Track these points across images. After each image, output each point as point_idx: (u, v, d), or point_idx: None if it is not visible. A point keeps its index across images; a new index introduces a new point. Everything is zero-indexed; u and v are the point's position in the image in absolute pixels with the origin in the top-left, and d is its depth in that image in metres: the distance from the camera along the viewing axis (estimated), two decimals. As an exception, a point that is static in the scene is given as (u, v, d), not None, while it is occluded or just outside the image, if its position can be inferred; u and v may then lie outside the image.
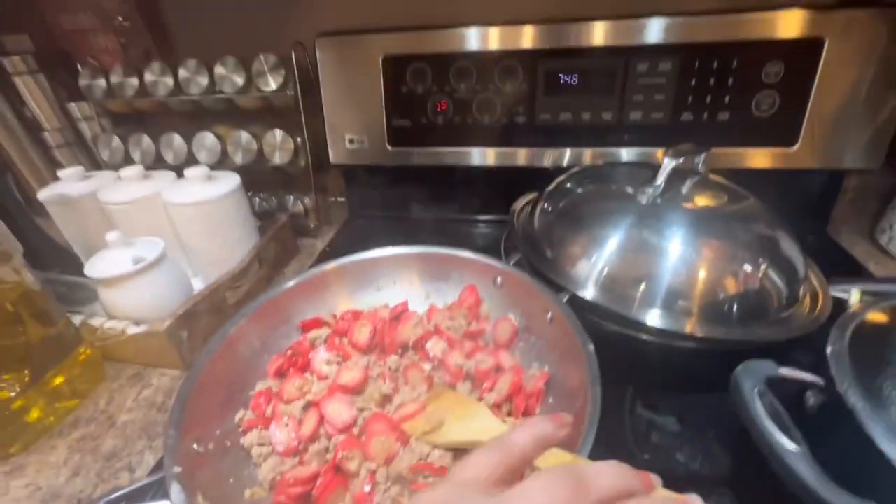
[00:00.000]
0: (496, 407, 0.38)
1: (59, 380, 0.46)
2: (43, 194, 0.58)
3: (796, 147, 0.57)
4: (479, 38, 0.59)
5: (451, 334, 0.44)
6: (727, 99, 0.56)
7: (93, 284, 0.52)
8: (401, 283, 0.51)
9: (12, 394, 0.42)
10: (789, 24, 0.52)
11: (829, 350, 0.29)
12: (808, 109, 0.55)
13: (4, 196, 0.51)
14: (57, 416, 0.46)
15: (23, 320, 0.43)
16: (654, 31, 0.55)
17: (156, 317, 0.49)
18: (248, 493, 0.34)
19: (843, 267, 0.58)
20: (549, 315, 0.43)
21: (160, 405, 0.46)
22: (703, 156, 0.49)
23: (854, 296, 0.44)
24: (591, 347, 0.37)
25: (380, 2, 0.63)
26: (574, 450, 0.29)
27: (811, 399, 0.29)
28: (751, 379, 0.26)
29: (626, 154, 0.61)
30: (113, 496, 0.29)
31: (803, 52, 0.53)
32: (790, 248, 0.45)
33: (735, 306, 0.41)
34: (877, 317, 0.32)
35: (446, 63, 0.61)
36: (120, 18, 0.74)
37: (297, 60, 0.64)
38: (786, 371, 0.27)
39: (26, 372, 0.43)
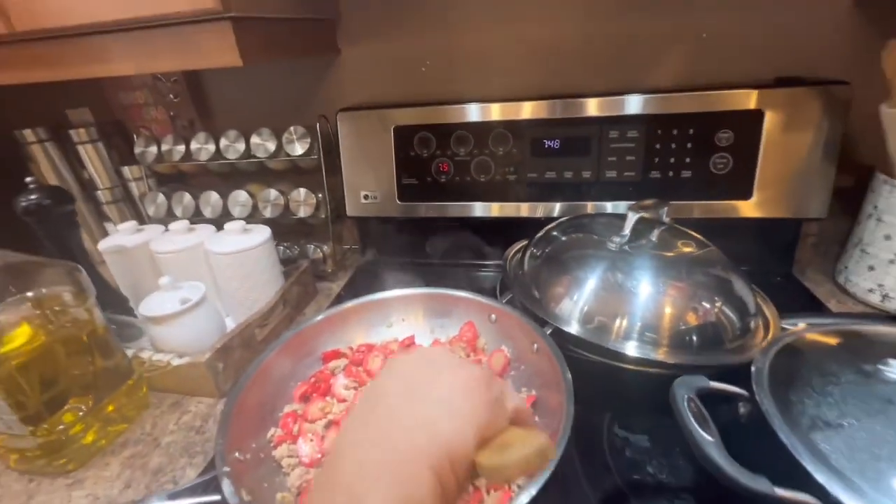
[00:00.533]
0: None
1: (111, 407, 0.53)
2: (103, 245, 0.68)
3: (752, 200, 0.65)
4: (476, 112, 0.70)
5: (451, 364, 0.51)
6: (688, 160, 0.65)
7: (140, 323, 0.61)
8: (408, 320, 0.59)
9: (79, 415, 0.49)
10: (735, 100, 0.62)
11: (753, 368, 0.36)
12: (758, 168, 0.64)
13: (77, 249, 0.60)
14: (108, 438, 0.52)
15: (91, 352, 0.51)
16: (625, 105, 0.65)
17: (196, 351, 0.56)
18: (280, 497, 0.40)
19: (805, 305, 0.65)
20: (536, 346, 0.50)
21: (198, 428, 0.53)
22: (665, 209, 0.58)
23: (800, 327, 0.50)
24: (569, 376, 0.44)
25: (390, 85, 0.75)
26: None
27: (741, 408, 0.35)
28: (683, 389, 0.32)
29: (604, 207, 0.70)
30: (174, 490, 0.36)
31: (748, 122, 0.63)
32: (741, 288, 0.52)
33: (696, 336, 0.48)
34: (798, 342, 0.39)
35: (448, 132, 0.72)
36: (171, 95, 0.87)
37: (320, 130, 0.75)
38: (715, 384, 0.34)
39: (90, 398, 0.50)
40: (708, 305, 0.50)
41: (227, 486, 0.35)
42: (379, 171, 0.76)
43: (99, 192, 0.88)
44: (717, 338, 0.49)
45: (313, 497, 0.22)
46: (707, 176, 0.65)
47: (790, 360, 0.38)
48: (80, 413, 0.49)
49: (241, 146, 0.78)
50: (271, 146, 0.77)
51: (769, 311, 0.55)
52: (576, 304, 0.52)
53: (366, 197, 0.78)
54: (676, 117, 0.64)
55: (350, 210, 0.80)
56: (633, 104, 0.65)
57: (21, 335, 0.47)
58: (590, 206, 0.71)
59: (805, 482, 0.27)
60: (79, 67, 0.58)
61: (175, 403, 0.57)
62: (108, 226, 0.90)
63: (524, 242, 0.66)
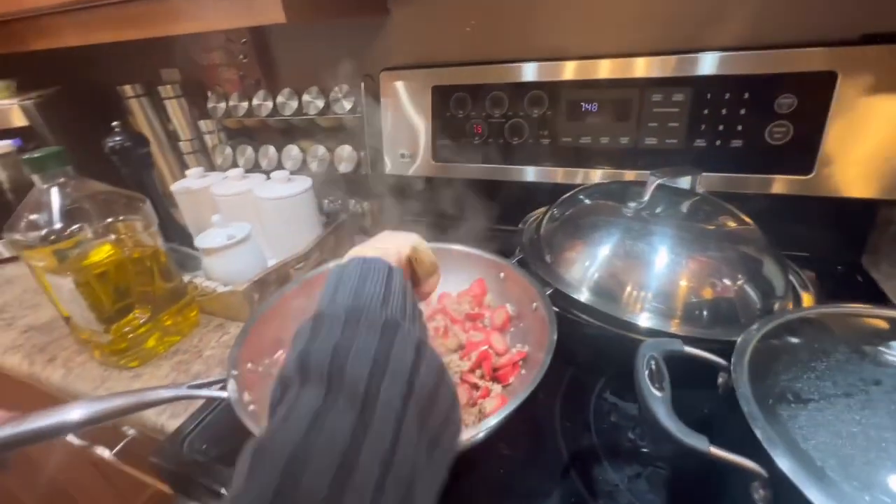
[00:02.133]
0: (470, 371, 0.46)
1: (169, 321, 0.63)
2: (174, 187, 0.78)
3: (812, 175, 0.58)
4: (511, 73, 0.69)
5: (453, 314, 0.54)
6: (739, 127, 0.59)
7: (199, 254, 0.70)
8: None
9: (141, 322, 0.59)
10: (802, 60, 0.55)
11: (739, 339, 0.34)
12: (824, 139, 0.56)
13: (150, 187, 0.70)
14: (164, 346, 0.62)
15: (153, 272, 0.60)
16: (673, 66, 0.61)
17: (238, 282, 0.64)
18: (281, 406, 0.46)
19: (865, 298, 0.58)
20: (535, 306, 0.50)
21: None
22: (697, 178, 0.54)
23: (822, 308, 0.45)
24: (555, 337, 0.44)
25: (434, 45, 0.76)
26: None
27: (720, 379, 0.34)
28: (649, 349, 0.32)
29: (642, 175, 0.66)
30: (195, 382, 0.42)
31: (816, 86, 0.55)
32: (772, 270, 0.48)
33: (707, 312, 0.46)
34: (809, 319, 0.36)
35: (483, 93, 0.71)
36: (241, 56, 0.95)
37: (365, 88, 0.78)
38: (690, 350, 0.33)
39: (149, 308, 0.60)
40: (728, 282, 0.47)
41: (231, 385, 0.41)
42: (417, 131, 0.78)
43: (181, 142, 1.00)
44: (733, 315, 0.46)
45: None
46: (761, 146, 0.59)
47: (789, 335, 0.35)
48: (142, 320, 0.59)
49: (295, 103, 0.84)
50: (320, 104, 0.82)
51: (807, 298, 0.50)
52: (585, 269, 0.51)
53: (403, 156, 0.81)
54: (729, 79, 0.58)
55: (389, 168, 0.84)
56: (681, 65, 0.60)
57: (102, 252, 0.57)
58: (626, 175, 0.67)
59: (758, 452, 0.26)
60: (159, 25, 0.66)
61: (219, 325, 0.66)
62: (188, 172, 1.02)
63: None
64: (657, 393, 0.28)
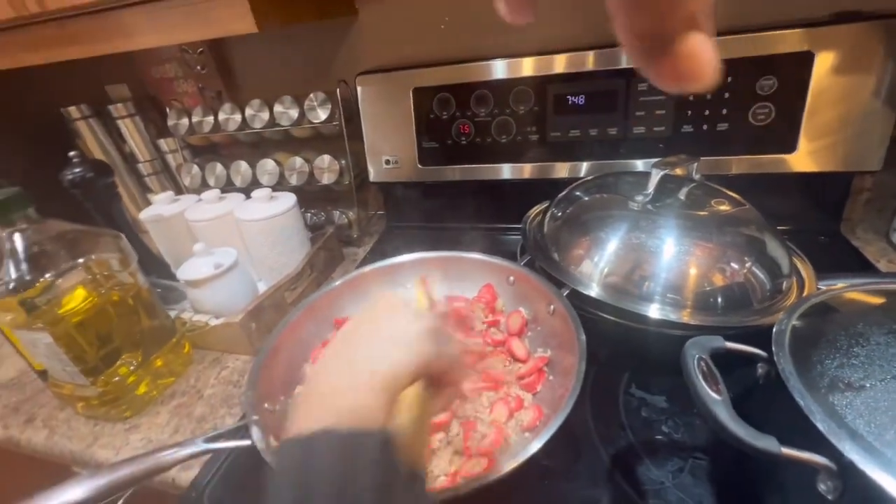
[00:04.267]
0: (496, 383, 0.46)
1: (160, 362, 0.58)
2: (143, 214, 0.72)
3: (796, 153, 0.60)
4: (496, 69, 0.67)
5: (472, 322, 0.52)
6: (724, 111, 0.61)
7: (182, 286, 0.65)
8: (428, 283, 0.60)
9: (130, 368, 0.54)
10: (780, 42, 0.56)
11: (774, 328, 0.34)
12: (804, 118, 0.58)
13: (120, 219, 0.65)
14: (158, 389, 0.58)
15: (138, 312, 0.55)
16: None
17: (231, 312, 0.60)
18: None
19: (851, 265, 0.61)
20: (552, 308, 0.50)
21: (235, 382, 0.57)
22: (694, 165, 0.55)
23: (837, 287, 0.47)
24: (583, 336, 0.44)
25: (408, 45, 0.73)
26: (559, 408, 0.36)
27: (759, 370, 0.34)
28: (695, 349, 0.32)
29: (633, 165, 0.67)
30: (212, 433, 0.39)
31: (795, 66, 0.57)
32: (775, 248, 0.49)
33: (722, 298, 0.46)
34: (830, 301, 0.37)
35: (467, 91, 0.70)
36: (198, 67, 0.89)
37: (341, 95, 0.75)
38: (731, 345, 0.33)
39: (139, 353, 0.55)
40: (736, 266, 0.48)
41: (256, 432, 0.38)
42: (399, 136, 0.76)
43: (140, 164, 0.93)
44: (745, 299, 0.47)
45: (298, 409, 0.26)
46: (746, 128, 0.61)
47: (818, 320, 0.36)
48: (132, 367, 0.54)
49: (266, 115, 0.79)
50: (294, 114, 0.77)
51: (806, 272, 0.52)
52: (596, 266, 0.51)
53: (387, 162, 0.78)
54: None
55: (373, 176, 0.81)
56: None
57: (77, 297, 0.52)
58: (617, 166, 0.68)
59: (819, 444, 0.27)
60: (107, 42, 0.60)
61: (215, 360, 0.62)
62: (151, 196, 0.95)
63: (546, 204, 0.65)
64: (716, 396, 0.28)
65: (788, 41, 0.56)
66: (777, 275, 0.48)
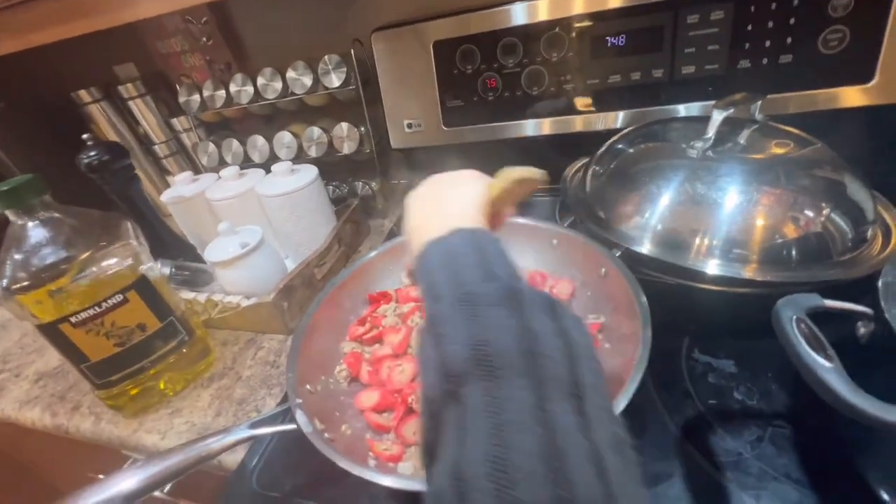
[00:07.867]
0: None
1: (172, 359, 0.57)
2: (164, 196, 0.70)
3: (873, 82, 0.53)
4: (522, 13, 0.61)
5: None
6: (789, 40, 0.54)
7: (210, 268, 0.63)
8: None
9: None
10: (858, -50, 0.49)
11: (880, 281, 0.30)
12: (885, 40, 0.51)
13: (141, 201, 0.63)
14: (203, 368, 0.57)
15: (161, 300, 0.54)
16: (705, -22, 0.54)
17: (262, 291, 0.58)
18: (345, 427, 0.41)
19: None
20: (604, 270, 0.46)
21: (272, 362, 0.56)
22: (758, 104, 0.49)
23: (932, 234, 0.42)
24: (644, 299, 0.40)
25: (427, -9, 0.67)
26: (625, 384, 0.33)
27: (861, 328, 0.30)
28: (790, 309, 0.27)
29: (682, 110, 0.61)
30: (257, 419, 0.38)
31: (876, -21, 0.49)
32: (857, 191, 0.44)
33: (794, 250, 0.42)
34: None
35: (493, 41, 0.64)
36: (204, 38, 0.84)
37: (355, 55, 0.70)
38: (830, 302, 0.29)
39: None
40: (811, 213, 0.43)
41: (300, 416, 0.36)
42: (421, 96, 0.71)
43: (156, 146, 0.90)
44: (823, 251, 0.42)
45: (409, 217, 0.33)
46: (814, 58, 0.54)
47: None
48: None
49: (279, 84, 0.75)
50: (307, 80, 0.73)
51: (891, 218, 0.46)
52: (648, 222, 0.47)
53: (409, 126, 0.74)
54: (776, -14, 0.52)
55: (394, 142, 0.76)
56: (719, -24, 0.53)
57: (104, 285, 0.50)
58: (658, 113, 0.62)
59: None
60: (113, 14, 0.57)
61: (250, 340, 0.61)
62: (170, 178, 0.93)
63: (585, 160, 0.60)
64: (826, 363, 0.24)
65: (869, -51, 0.48)
66: (860, 221, 0.43)
